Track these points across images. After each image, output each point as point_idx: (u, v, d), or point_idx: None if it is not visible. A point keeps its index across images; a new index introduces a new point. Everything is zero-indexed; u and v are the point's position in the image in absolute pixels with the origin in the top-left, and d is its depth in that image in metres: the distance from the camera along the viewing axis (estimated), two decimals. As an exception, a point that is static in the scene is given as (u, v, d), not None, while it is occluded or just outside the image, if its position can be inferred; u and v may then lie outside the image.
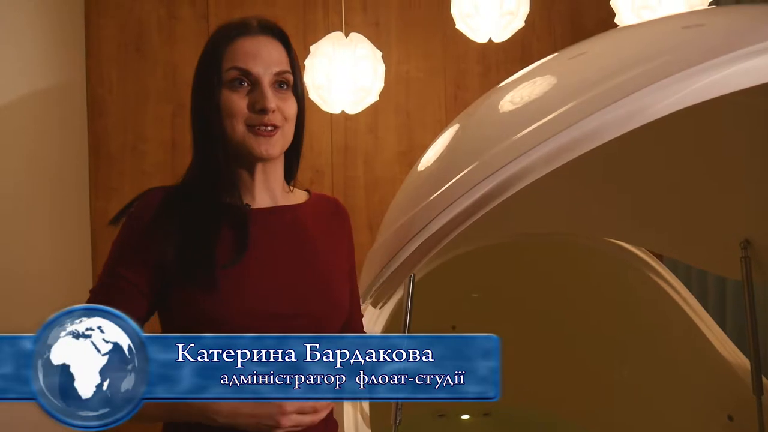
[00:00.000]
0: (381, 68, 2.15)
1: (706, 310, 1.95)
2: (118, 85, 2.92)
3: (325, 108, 2.17)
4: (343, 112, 2.22)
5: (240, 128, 0.84)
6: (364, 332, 1.05)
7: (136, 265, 0.82)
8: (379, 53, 2.15)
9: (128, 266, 0.82)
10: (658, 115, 0.81)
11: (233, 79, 0.84)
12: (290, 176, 0.95)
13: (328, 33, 2.24)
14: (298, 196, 0.96)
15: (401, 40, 3.03)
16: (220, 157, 0.86)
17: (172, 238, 0.82)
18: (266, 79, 0.84)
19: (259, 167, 0.88)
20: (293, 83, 0.88)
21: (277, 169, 0.91)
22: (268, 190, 0.91)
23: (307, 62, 2.14)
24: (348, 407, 1.45)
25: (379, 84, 2.15)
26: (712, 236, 1.65)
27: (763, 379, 1.61)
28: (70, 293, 2.58)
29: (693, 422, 1.84)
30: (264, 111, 0.83)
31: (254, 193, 0.89)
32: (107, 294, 0.83)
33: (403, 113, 3.04)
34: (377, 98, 2.18)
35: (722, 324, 2.28)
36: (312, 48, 2.13)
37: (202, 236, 0.83)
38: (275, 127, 0.85)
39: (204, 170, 0.87)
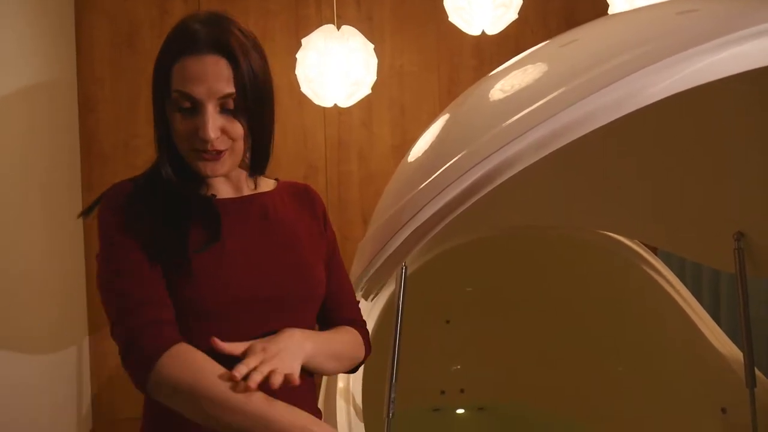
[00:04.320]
0: (373, 61, 2.13)
1: (701, 302, 1.95)
2: (110, 82, 2.90)
3: (317, 101, 2.16)
4: (336, 107, 2.20)
5: (187, 150, 0.84)
6: (362, 319, 1.03)
7: (132, 234, 0.82)
8: (371, 46, 2.13)
9: (127, 235, 0.82)
10: (651, 100, 0.80)
11: (178, 102, 0.82)
12: (256, 171, 0.94)
13: (321, 27, 2.23)
14: (265, 185, 0.96)
15: (395, 34, 3.01)
16: (173, 166, 0.87)
17: (147, 224, 0.82)
18: (210, 105, 0.81)
19: None
20: (244, 98, 0.84)
21: (238, 168, 0.92)
22: (231, 184, 0.92)
23: (298, 55, 2.12)
24: (341, 401, 1.44)
25: (372, 77, 2.14)
26: (705, 228, 1.64)
27: (756, 371, 1.61)
28: (63, 291, 2.56)
29: (686, 415, 1.84)
30: (204, 140, 0.82)
31: (216, 187, 0.90)
32: (119, 262, 0.81)
33: (397, 107, 3.03)
34: (370, 91, 2.17)
35: (716, 317, 2.28)
36: (303, 41, 2.11)
37: (173, 223, 0.83)
38: (220, 151, 0.84)
39: (165, 168, 0.87)
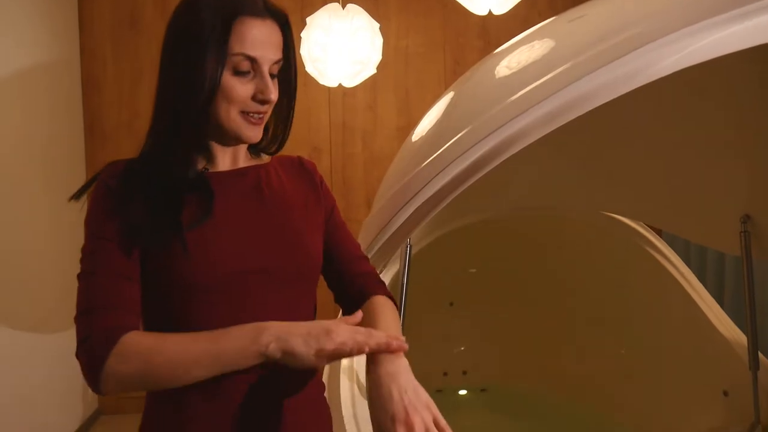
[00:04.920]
0: (378, 40, 2.11)
1: (705, 285, 1.94)
2: (113, 62, 2.89)
3: (321, 81, 2.14)
4: (341, 88, 2.17)
5: (234, 114, 0.84)
6: (376, 272, 1.00)
7: (115, 229, 0.81)
8: (377, 25, 2.11)
9: (109, 233, 0.81)
10: (658, 75, 0.78)
11: (240, 64, 0.81)
12: (273, 148, 0.95)
13: (326, 6, 2.20)
14: (261, 158, 0.97)
15: (400, 14, 2.98)
16: (192, 131, 0.84)
17: (140, 203, 0.82)
18: (266, 68, 0.83)
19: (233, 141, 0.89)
20: (287, 66, 0.87)
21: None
22: (230, 157, 0.91)
23: (303, 34, 2.10)
24: (344, 379, 1.44)
25: (377, 56, 2.11)
26: (711, 210, 1.63)
27: (759, 354, 1.61)
28: (64, 271, 2.57)
29: (688, 397, 1.84)
30: (266, 102, 0.84)
31: (216, 159, 0.90)
32: (97, 260, 0.80)
33: (402, 89, 3.01)
34: (375, 71, 2.15)
35: (720, 300, 2.28)
36: (308, 20, 2.09)
37: (166, 200, 0.83)
38: (265, 114, 0.86)
39: (167, 140, 0.85)
